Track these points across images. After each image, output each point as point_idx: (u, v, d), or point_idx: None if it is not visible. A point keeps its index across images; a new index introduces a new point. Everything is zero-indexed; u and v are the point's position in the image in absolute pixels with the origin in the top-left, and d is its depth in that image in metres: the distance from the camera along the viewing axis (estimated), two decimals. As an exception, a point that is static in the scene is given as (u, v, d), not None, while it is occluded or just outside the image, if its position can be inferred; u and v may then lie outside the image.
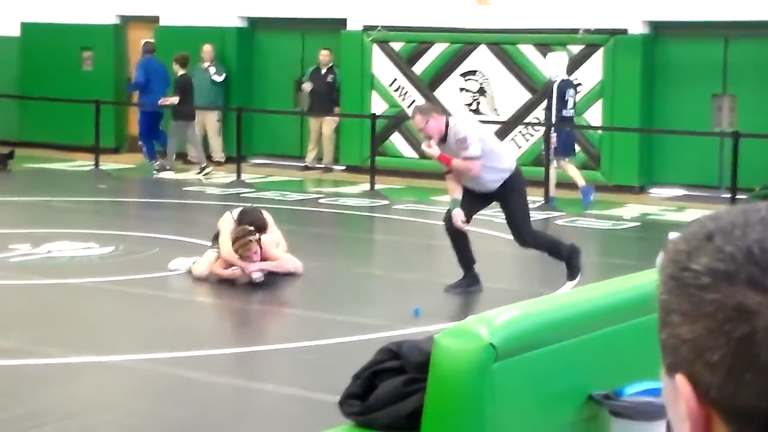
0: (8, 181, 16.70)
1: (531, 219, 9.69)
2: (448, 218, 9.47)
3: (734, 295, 1.04)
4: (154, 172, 17.69)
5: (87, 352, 7.67)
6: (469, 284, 9.51)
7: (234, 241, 9.61)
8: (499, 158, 9.39)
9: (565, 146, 14.96)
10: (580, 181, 14.85)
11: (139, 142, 19.08)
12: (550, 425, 4.37)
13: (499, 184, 9.32)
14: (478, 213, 9.81)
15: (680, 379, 1.08)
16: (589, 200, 14.69)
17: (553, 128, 14.83)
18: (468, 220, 9.45)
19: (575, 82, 15.62)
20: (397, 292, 9.86)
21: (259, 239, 9.70)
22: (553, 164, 14.90)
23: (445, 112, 9.79)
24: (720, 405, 1.05)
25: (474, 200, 9.47)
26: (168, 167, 17.71)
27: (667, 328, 1.09)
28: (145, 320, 9.14)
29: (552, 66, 15.17)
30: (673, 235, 1.15)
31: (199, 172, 17.56)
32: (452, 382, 4.06)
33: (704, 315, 1.05)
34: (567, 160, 14.94)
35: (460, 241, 9.45)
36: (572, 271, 9.55)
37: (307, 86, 17.99)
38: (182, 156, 18.66)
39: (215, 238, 10.02)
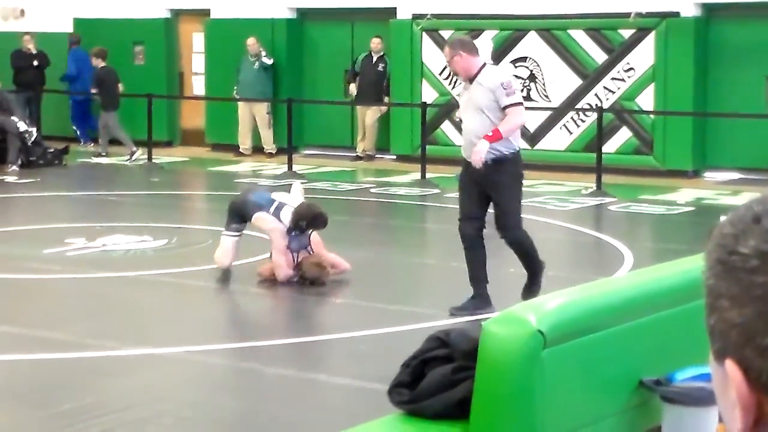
0: (63, 176, 16.88)
1: (522, 214, 8.52)
2: (460, 227, 8.56)
3: (784, 277, 1.03)
4: (100, 155, 18.40)
5: (142, 344, 7.75)
6: (476, 306, 8.33)
7: (307, 276, 9.29)
8: (518, 131, 8.45)
9: None
10: None
11: (73, 127, 20.08)
12: (601, 412, 4.35)
13: (494, 158, 8.16)
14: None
15: (730, 364, 1.07)
16: None
17: None
18: (481, 224, 8.46)
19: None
20: (450, 281, 9.85)
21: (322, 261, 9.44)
22: None
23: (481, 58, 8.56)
24: (772, 390, 1.04)
25: (472, 190, 8.41)
26: (103, 153, 18.31)
27: (716, 313, 1.09)
28: (200, 312, 9.21)
29: None
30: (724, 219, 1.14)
31: (129, 158, 17.98)
32: (501, 369, 4.06)
33: (754, 298, 1.05)
34: None
35: (475, 251, 8.45)
36: (533, 288, 8.35)
37: (353, 89, 18.14)
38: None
39: (233, 218, 9.55)
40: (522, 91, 17.24)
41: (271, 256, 9.55)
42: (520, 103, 8.32)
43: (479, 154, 8.07)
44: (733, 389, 1.06)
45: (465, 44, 8.53)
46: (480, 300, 8.37)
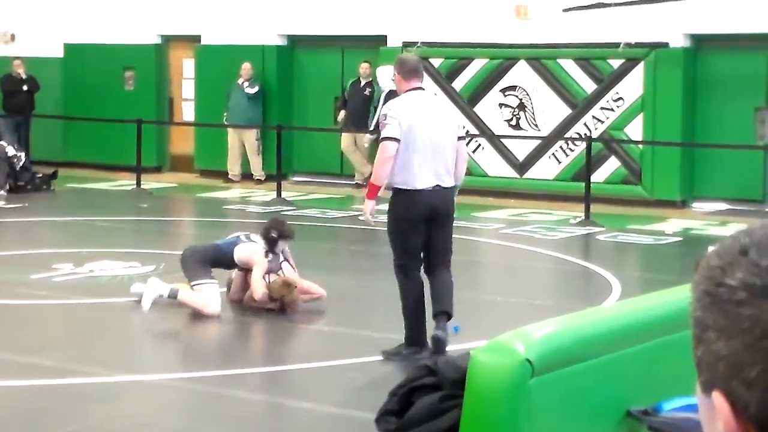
0: (51, 201, 16.85)
1: (404, 256, 7.86)
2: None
3: (771, 310, 1.03)
4: None
5: (128, 370, 7.71)
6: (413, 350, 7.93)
7: (275, 296, 9.26)
8: (401, 168, 7.68)
9: None
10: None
11: None
12: (588, 442, 4.34)
13: (392, 190, 7.87)
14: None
15: (717, 396, 1.06)
16: None
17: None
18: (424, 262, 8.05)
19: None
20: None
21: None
22: None
23: (417, 83, 7.86)
24: (758, 422, 1.04)
25: None
26: None
27: (703, 344, 1.09)
28: (186, 339, 9.18)
29: (382, 78, 16.91)
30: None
31: None
32: (488, 398, 4.04)
33: (741, 331, 1.04)
34: None
35: (433, 285, 8.01)
36: (405, 341, 7.90)
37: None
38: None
39: (206, 267, 9.35)
40: (511, 120, 17.30)
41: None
42: (388, 138, 7.60)
43: (365, 213, 7.95)
44: (721, 421, 1.06)
45: (400, 64, 7.95)
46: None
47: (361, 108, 18.14)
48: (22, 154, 17.69)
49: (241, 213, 15.80)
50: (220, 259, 9.47)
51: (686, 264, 11.08)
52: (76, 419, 6.63)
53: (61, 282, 10.50)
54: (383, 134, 7.69)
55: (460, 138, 7.94)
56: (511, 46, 17.17)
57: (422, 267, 7.95)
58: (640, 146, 16.42)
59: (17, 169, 17.34)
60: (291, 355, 8.69)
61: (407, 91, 7.84)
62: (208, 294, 9.22)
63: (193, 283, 9.28)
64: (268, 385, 7.63)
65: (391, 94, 16.71)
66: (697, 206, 16.34)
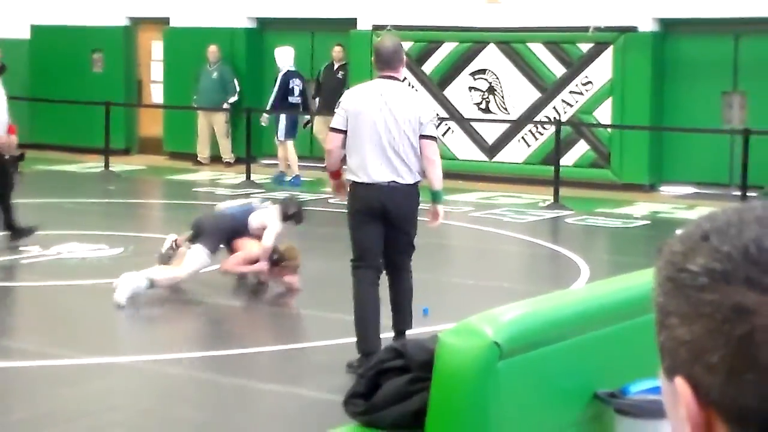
0: (18, 183, 16.70)
1: (358, 251, 7.34)
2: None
3: (732, 294, 1.03)
4: None
5: (97, 353, 7.69)
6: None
7: (288, 257, 9.42)
8: (351, 159, 7.30)
9: (290, 129, 17.22)
10: (294, 167, 16.95)
11: None
12: (555, 424, 4.36)
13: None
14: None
15: (680, 381, 1.07)
16: (283, 182, 16.64)
17: (281, 114, 17.08)
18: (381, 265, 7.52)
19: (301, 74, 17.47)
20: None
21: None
22: (278, 143, 17.24)
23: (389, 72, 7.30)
24: (720, 407, 1.04)
25: None
26: None
27: (665, 330, 1.09)
28: (156, 321, 9.16)
29: (279, 59, 17.29)
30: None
31: None
32: (456, 380, 4.05)
33: (702, 316, 1.05)
34: (291, 142, 17.19)
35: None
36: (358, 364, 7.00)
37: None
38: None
39: (219, 238, 9.49)
40: (481, 103, 17.32)
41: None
42: (330, 129, 7.36)
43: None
44: (683, 406, 1.06)
45: (376, 52, 7.43)
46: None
47: (335, 91, 18.07)
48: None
49: (210, 196, 15.76)
50: (237, 229, 9.56)
51: (654, 247, 11.13)
52: (42, 402, 6.61)
53: (29, 264, 10.45)
54: (330, 124, 7.49)
55: (424, 136, 7.18)
56: (481, 29, 17.18)
57: (383, 265, 7.40)
58: (609, 130, 16.48)
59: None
60: (261, 337, 8.69)
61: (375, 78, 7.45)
62: (188, 259, 9.23)
63: (193, 244, 9.28)
64: (239, 368, 7.63)
65: (289, 74, 16.93)
66: (665, 190, 16.43)
